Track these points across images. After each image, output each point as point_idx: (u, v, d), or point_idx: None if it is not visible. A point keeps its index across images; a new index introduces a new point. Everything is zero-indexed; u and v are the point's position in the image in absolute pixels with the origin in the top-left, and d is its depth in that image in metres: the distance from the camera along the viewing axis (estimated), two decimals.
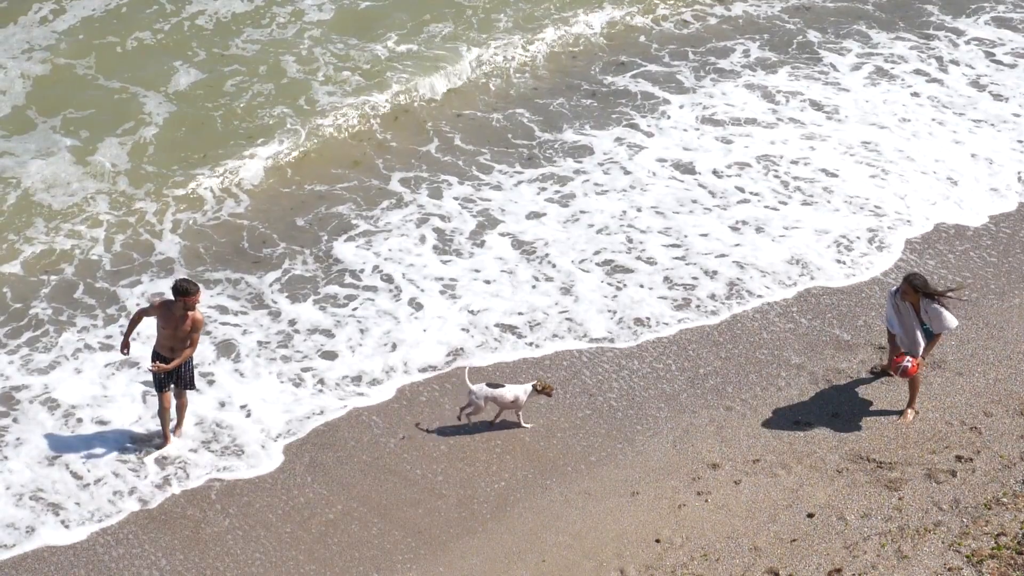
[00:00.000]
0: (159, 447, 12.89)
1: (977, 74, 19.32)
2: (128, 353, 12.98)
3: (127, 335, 12.83)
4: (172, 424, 12.96)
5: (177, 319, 12.36)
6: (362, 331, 14.50)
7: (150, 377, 13.09)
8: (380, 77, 18.72)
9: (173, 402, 12.83)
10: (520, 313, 14.74)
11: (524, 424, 13.16)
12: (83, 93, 18.30)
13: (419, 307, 14.87)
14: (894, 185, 16.80)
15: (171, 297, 12.46)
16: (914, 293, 12.74)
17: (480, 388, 13.03)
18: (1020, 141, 17.71)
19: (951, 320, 12.79)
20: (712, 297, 14.88)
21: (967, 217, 16.13)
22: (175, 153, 17.27)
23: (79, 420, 13.30)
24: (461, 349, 14.19)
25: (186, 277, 13.05)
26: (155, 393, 12.88)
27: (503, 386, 13.06)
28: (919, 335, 12.81)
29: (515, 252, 15.80)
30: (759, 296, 14.90)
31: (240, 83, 18.53)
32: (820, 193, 16.71)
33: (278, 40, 19.50)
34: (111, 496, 12.44)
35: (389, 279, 15.33)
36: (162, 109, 18.02)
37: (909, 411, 13.01)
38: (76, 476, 12.63)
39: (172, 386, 12.72)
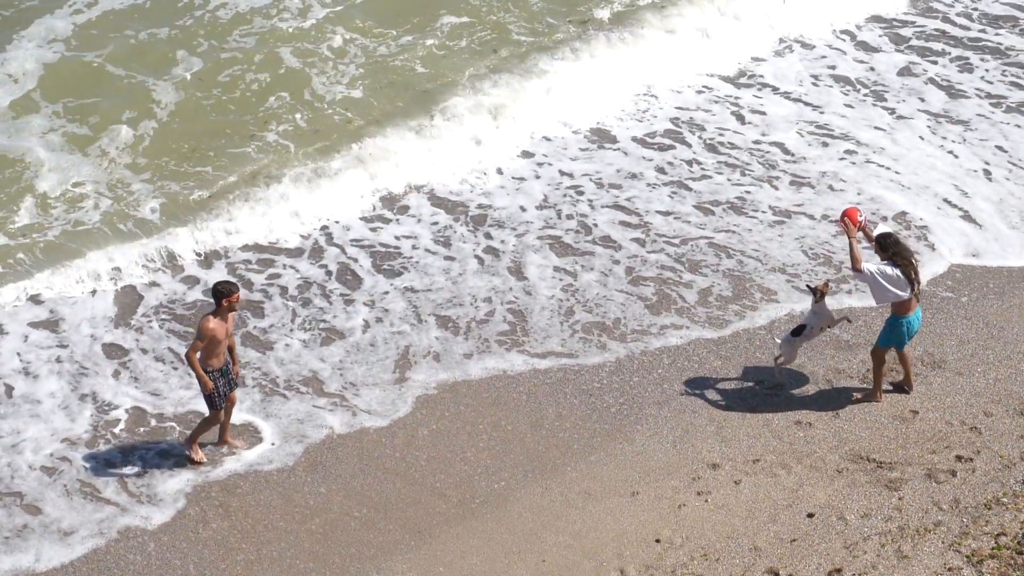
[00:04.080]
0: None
1: (907, 60, 19.42)
2: (215, 388, 12.37)
3: (205, 379, 12.18)
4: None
5: (227, 323, 12.20)
6: (294, 314, 14.50)
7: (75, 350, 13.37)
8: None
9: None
10: (460, 304, 14.69)
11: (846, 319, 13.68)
12: (93, 83, 18.40)
13: (354, 284, 14.85)
14: (884, 178, 16.81)
15: (210, 313, 12.14)
16: (882, 252, 12.67)
17: (786, 338, 13.34)
18: (1000, 146, 17.65)
19: (878, 289, 12.61)
20: (706, 299, 14.72)
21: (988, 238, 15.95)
22: (170, 143, 17.42)
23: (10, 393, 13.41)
24: (409, 348, 14.11)
25: (223, 279, 12.84)
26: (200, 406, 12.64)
27: (802, 327, 13.27)
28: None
29: (451, 222, 15.81)
30: (776, 301, 14.78)
31: (235, 74, 18.63)
32: (789, 172, 16.65)
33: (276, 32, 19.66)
34: (108, 496, 12.45)
35: (306, 237, 15.43)
36: (168, 99, 18.10)
37: (878, 393, 13.14)
38: (63, 479, 12.67)
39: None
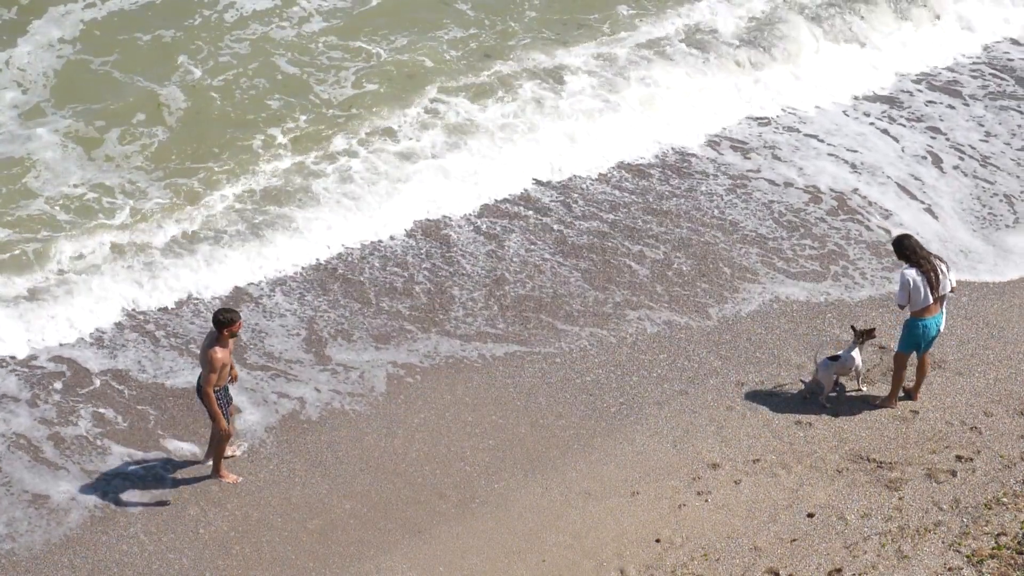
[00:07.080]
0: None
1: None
2: (229, 428, 12.47)
3: (221, 421, 12.17)
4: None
5: (228, 348, 12.22)
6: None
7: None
8: None
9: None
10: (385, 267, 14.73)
11: (861, 388, 13.30)
12: (97, 84, 18.36)
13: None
14: (823, 152, 16.79)
15: (215, 344, 12.10)
16: (900, 254, 12.63)
17: (824, 362, 13.12)
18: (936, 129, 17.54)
19: (899, 294, 12.63)
20: (664, 273, 14.67)
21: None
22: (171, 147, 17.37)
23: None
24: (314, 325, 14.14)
25: (224, 308, 12.94)
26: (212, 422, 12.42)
27: (840, 356, 13.13)
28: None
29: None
30: (757, 282, 14.79)
31: (230, 78, 18.63)
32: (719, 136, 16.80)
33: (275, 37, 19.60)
34: (110, 494, 12.45)
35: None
36: (172, 103, 18.10)
37: (893, 399, 13.10)
38: (56, 466, 12.67)
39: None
